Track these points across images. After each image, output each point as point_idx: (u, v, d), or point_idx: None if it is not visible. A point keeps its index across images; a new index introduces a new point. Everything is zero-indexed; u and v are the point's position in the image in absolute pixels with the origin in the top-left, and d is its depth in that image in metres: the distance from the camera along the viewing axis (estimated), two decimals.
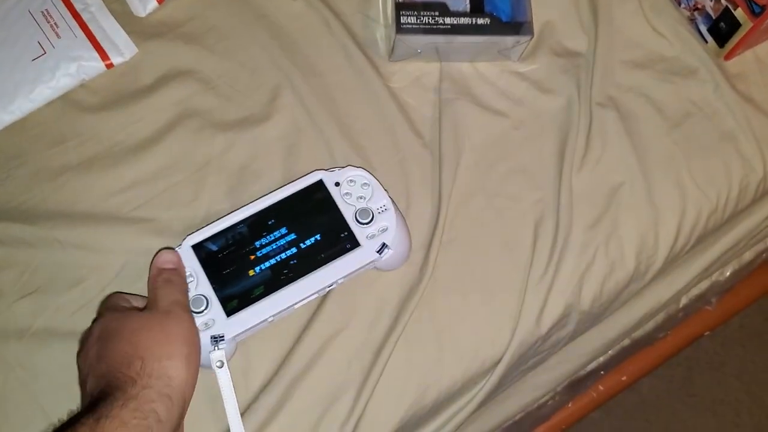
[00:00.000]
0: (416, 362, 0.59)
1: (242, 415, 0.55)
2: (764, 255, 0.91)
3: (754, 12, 0.61)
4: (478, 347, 0.61)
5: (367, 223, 0.58)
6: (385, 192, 0.60)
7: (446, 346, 0.60)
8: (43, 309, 0.59)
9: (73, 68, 0.64)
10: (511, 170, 0.65)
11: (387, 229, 0.58)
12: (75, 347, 0.57)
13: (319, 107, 0.65)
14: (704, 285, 0.88)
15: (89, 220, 0.61)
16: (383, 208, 0.59)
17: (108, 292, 0.59)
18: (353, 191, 0.59)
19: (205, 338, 0.54)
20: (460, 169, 0.64)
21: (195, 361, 0.50)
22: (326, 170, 0.60)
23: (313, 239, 0.58)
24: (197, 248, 0.57)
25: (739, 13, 0.62)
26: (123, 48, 0.66)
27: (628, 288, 0.65)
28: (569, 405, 0.95)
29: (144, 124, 0.65)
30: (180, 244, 0.57)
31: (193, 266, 0.57)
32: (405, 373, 0.59)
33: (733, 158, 0.66)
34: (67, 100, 0.65)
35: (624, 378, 0.98)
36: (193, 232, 0.58)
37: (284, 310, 0.56)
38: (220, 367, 0.53)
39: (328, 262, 0.57)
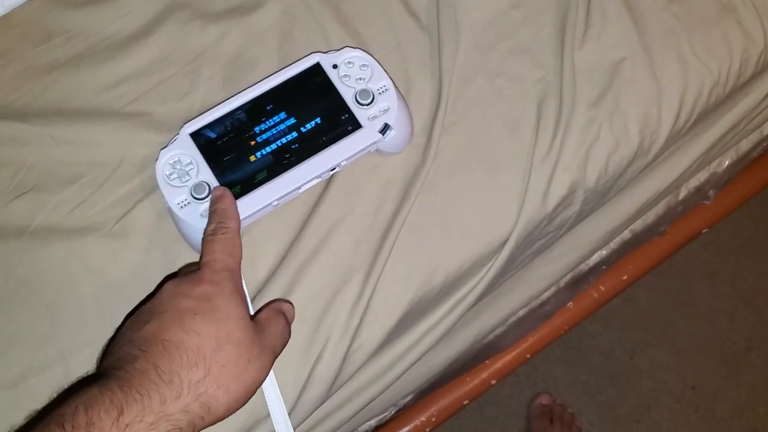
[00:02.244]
0: (423, 244, 0.59)
1: (251, 301, 0.55)
2: (762, 146, 0.91)
3: None
4: (485, 227, 0.60)
5: (368, 104, 0.57)
6: (384, 72, 0.58)
7: (453, 227, 0.60)
8: (41, 207, 0.58)
9: None
10: (511, 50, 0.63)
11: (389, 109, 0.57)
12: (76, 244, 0.56)
13: None
14: (702, 176, 0.88)
15: (83, 116, 0.60)
16: (383, 89, 0.58)
17: (106, 188, 0.58)
18: (352, 73, 0.58)
19: None
20: (459, 50, 0.63)
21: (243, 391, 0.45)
22: (323, 53, 0.59)
23: (313, 123, 0.57)
24: (195, 136, 0.56)
25: None
26: None
27: (633, 165, 0.65)
28: (570, 305, 0.96)
29: (132, 18, 0.63)
30: (177, 133, 0.56)
31: (192, 154, 0.56)
32: (413, 256, 0.59)
33: (734, 30, 0.65)
34: None
35: (625, 277, 0.99)
36: (190, 120, 0.57)
37: (288, 194, 0.55)
38: None
39: (330, 144, 0.56)
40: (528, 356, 0.97)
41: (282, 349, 0.50)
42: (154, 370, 0.41)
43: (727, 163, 0.88)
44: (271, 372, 0.51)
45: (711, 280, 1.43)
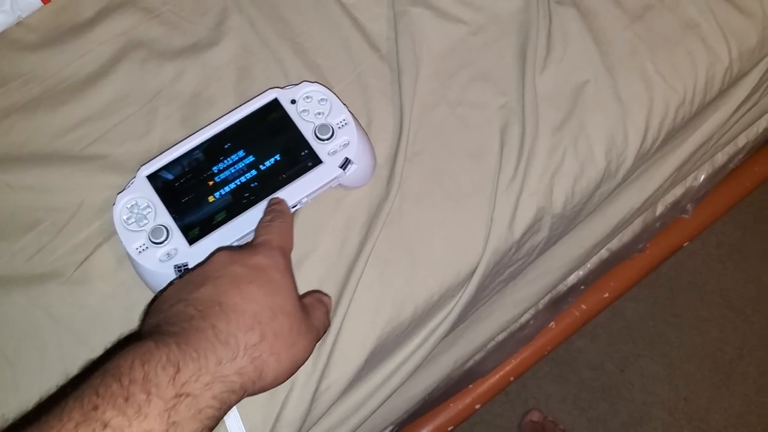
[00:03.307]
0: (390, 278, 0.58)
1: None
2: (737, 158, 0.90)
3: None
4: (452, 258, 0.59)
5: (327, 139, 0.56)
6: (344, 106, 0.58)
7: (419, 259, 0.59)
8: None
9: (7, 5, 0.61)
10: (472, 77, 0.63)
11: (349, 143, 0.56)
12: (36, 292, 0.55)
13: (270, 28, 0.63)
14: (679, 191, 0.87)
15: (41, 161, 0.59)
16: (343, 123, 0.57)
17: (65, 233, 0.57)
18: (310, 108, 0.57)
19: (168, 268, 0.52)
20: (420, 79, 0.62)
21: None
22: (281, 88, 0.58)
23: (272, 160, 0.56)
24: (152, 178, 0.55)
25: None
26: None
27: (601, 188, 0.64)
28: (552, 325, 0.95)
29: (88, 59, 0.62)
30: (134, 176, 0.55)
31: (149, 197, 0.55)
32: (380, 290, 0.58)
33: (698, 48, 0.65)
34: (4, 40, 0.62)
35: (606, 295, 0.98)
36: (146, 162, 0.56)
37: (248, 234, 0.54)
38: None
39: (291, 181, 0.55)
40: (512, 378, 0.96)
41: (324, 333, 0.50)
42: (211, 330, 0.41)
43: (703, 176, 0.87)
44: (235, 408, 0.50)
45: (699, 290, 1.42)
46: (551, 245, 0.67)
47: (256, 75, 0.62)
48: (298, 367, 0.45)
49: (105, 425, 0.35)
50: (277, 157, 0.56)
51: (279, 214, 0.52)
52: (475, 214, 0.60)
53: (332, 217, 0.59)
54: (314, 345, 0.47)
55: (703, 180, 0.87)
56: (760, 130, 0.89)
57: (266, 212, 0.53)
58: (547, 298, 0.82)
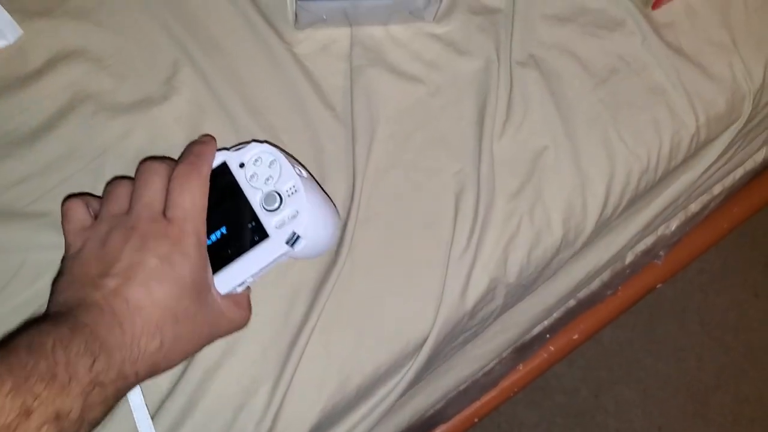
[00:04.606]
0: (336, 349, 0.57)
1: (152, 417, 0.52)
2: (711, 205, 0.88)
3: None
4: (401, 328, 0.58)
5: (275, 210, 0.53)
6: (293, 170, 0.54)
7: (367, 329, 0.57)
8: None
9: None
10: (428, 140, 0.61)
11: (297, 215, 0.53)
12: None
13: (222, 83, 0.61)
14: (650, 240, 0.85)
15: None
16: (292, 190, 0.54)
17: (6, 294, 0.56)
18: (260, 172, 0.54)
19: None
20: (375, 141, 0.60)
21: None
22: (229, 149, 0.56)
23: (219, 233, 0.53)
24: None
25: None
26: (6, 31, 0.61)
27: (558, 256, 0.62)
28: (519, 367, 0.94)
29: (34, 112, 0.60)
30: None
31: None
32: (324, 362, 0.56)
33: (663, 113, 0.63)
34: None
35: (576, 336, 0.97)
36: None
37: None
38: None
39: (236, 258, 0.52)
40: (476, 420, 0.95)
41: (244, 325, 0.52)
42: (119, 329, 0.43)
43: (675, 225, 0.86)
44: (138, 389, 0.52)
45: (678, 318, 1.41)
46: (507, 310, 0.66)
47: (205, 132, 0.60)
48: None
49: (36, 397, 0.37)
50: (224, 229, 0.53)
51: (195, 164, 0.50)
52: (427, 284, 0.58)
53: (276, 284, 0.57)
54: (220, 336, 0.50)
55: (676, 228, 0.86)
56: (737, 178, 0.88)
57: (184, 156, 0.51)
58: (510, 349, 0.81)
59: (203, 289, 0.48)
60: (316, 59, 0.63)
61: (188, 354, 0.48)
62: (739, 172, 0.86)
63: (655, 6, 0.64)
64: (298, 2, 0.59)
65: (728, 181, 0.86)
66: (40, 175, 0.59)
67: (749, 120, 0.66)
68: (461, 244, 0.58)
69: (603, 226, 0.64)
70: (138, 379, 0.44)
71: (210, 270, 0.49)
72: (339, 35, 0.63)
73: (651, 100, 0.63)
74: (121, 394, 0.43)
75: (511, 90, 0.62)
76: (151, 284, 0.45)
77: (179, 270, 0.46)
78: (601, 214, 0.62)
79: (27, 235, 0.57)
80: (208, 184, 0.50)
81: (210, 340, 0.49)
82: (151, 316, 0.44)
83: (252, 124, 0.60)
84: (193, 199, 0.48)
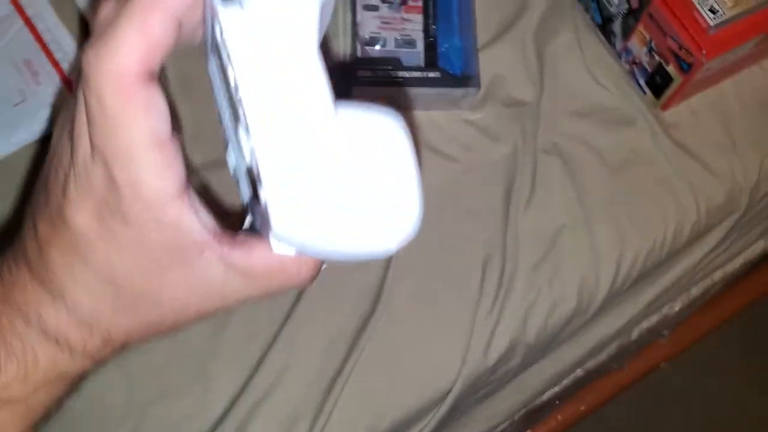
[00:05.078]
0: (370, 391, 0.63)
1: None
2: (712, 290, 0.95)
3: (683, 68, 0.66)
4: (429, 377, 0.65)
5: None
6: None
7: (398, 376, 0.64)
8: None
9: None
10: (461, 211, 0.69)
11: None
12: None
13: None
14: (654, 318, 0.92)
15: None
16: None
17: None
18: None
19: None
20: None
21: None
22: None
23: None
24: None
25: (671, 69, 0.68)
26: None
27: (572, 322, 0.69)
28: None
29: None
30: None
31: None
32: (359, 402, 0.63)
33: (668, 202, 0.71)
34: None
35: (583, 408, 1.02)
36: None
37: None
38: None
39: None
40: None
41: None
42: (53, 320, 0.31)
43: (678, 307, 0.92)
44: None
45: (682, 404, 1.45)
46: (525, 369, 0.72)
47: None
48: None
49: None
50: None
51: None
52: (454, 339, 0.65)
53: (321, 327, 0.64)
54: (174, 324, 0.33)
55: (679, 309, 0.92)
56: (737, 266, 0.95)
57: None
58: (522, 411, 0.86)
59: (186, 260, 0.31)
60: None
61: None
62: (738, 261, 0.93)
63: (664, 107, 0.73)
64: (355, 87, 0.68)
65: (729, 268, 0.93)
66: None
67: (746, 212, 0.74)
68: (487, 306, 0.66)
69: (613, 298, 0.71)
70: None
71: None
72: None
73: (658, 189, 0.71)
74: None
75: (535, 173, 0.70)
76: (86, 253, 0.31)
77: (149, 235, 0.30)
78: (611, 287, 0.69)
79: None
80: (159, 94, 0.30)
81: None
82: (94, 313, 0.32)
83: None
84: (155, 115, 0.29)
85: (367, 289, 0.66)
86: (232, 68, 0.26)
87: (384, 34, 0.70)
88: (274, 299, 0.63)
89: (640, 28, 0.68)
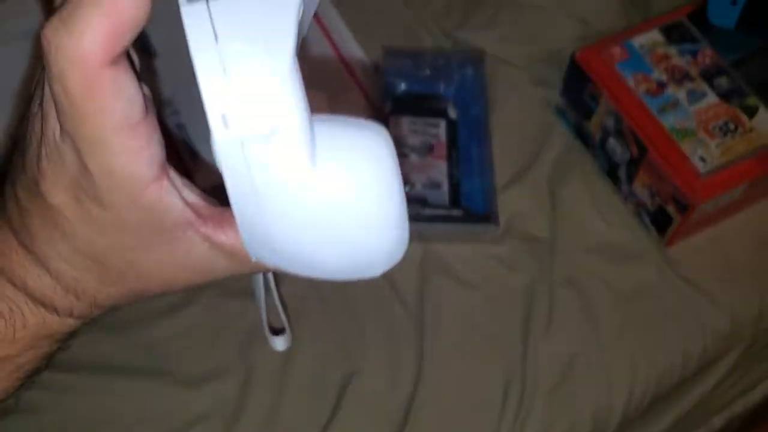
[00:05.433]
0: None
1: None
2: (736, 422, 0.97)
3: (681, 210, 0.74)
4: None
5: None
6: None
7: None
8: None
9: None
10: (483, 337, 0.75)
11: None
12: None
13: None
14: None
15: None
16: None
17: None
18: None
19: None
20: (439, 334, 0.75)
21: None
22: None
23: None
24: None
25: (671, 210, 0.75)
26: None
27: None
28: None
29: None
30: None
31: None
32: None
33: (677, 332, 0.76)
34: None
35: None
36: None
37: None
38: None
39: None
40: None
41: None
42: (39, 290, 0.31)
43: None
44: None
45: None
46: None
47: None
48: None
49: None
50: None
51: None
52: None
53: (372, 405, 0.69)
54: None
55: None
56: (757, 398, 0.97)
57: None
58: None
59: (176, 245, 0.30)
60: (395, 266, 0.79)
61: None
62: (758, 393, 0.96)
63: (669, 244, 0.79)
64: None
65: (750, 400, 0.96)
66: None
67: (753, 342, 0.79)
68: (508, 425, 0.70)
69: (628, 424, 0.75)
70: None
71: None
72: (413, 248, 0.80)
73: (666, 319, 0.77)
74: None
75: (551, 303, 0.76)
76: (96, 236, 0.30)
77: (130, 213, 0.29)
78: (624, 411, 0.73)
79: None
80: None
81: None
82: (66, 275, 0.31)
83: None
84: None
85: (394, 411, 0.71)
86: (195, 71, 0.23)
87: (413, 177, 0.79)
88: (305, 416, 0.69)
89: (642, 174, 0.76)
